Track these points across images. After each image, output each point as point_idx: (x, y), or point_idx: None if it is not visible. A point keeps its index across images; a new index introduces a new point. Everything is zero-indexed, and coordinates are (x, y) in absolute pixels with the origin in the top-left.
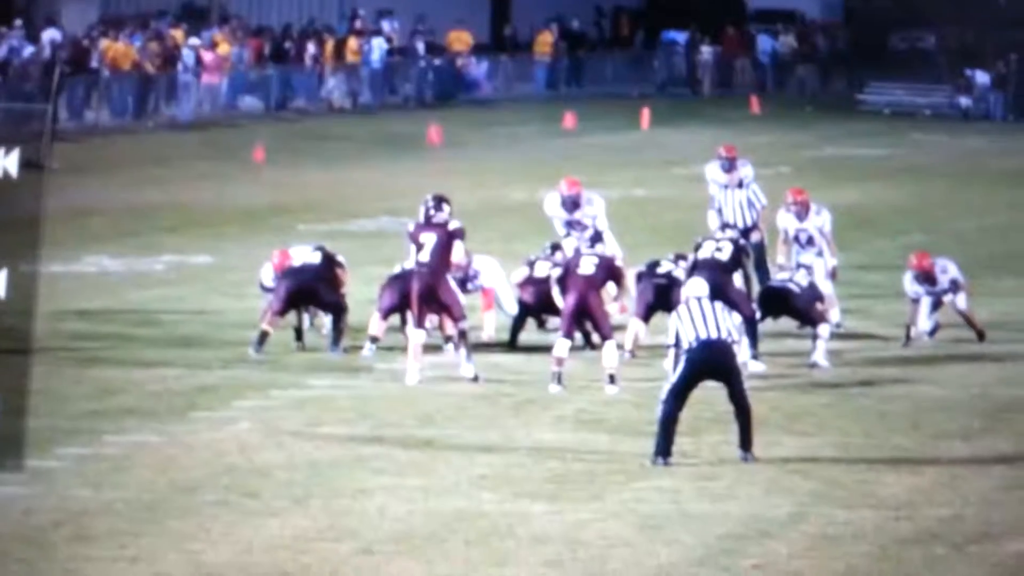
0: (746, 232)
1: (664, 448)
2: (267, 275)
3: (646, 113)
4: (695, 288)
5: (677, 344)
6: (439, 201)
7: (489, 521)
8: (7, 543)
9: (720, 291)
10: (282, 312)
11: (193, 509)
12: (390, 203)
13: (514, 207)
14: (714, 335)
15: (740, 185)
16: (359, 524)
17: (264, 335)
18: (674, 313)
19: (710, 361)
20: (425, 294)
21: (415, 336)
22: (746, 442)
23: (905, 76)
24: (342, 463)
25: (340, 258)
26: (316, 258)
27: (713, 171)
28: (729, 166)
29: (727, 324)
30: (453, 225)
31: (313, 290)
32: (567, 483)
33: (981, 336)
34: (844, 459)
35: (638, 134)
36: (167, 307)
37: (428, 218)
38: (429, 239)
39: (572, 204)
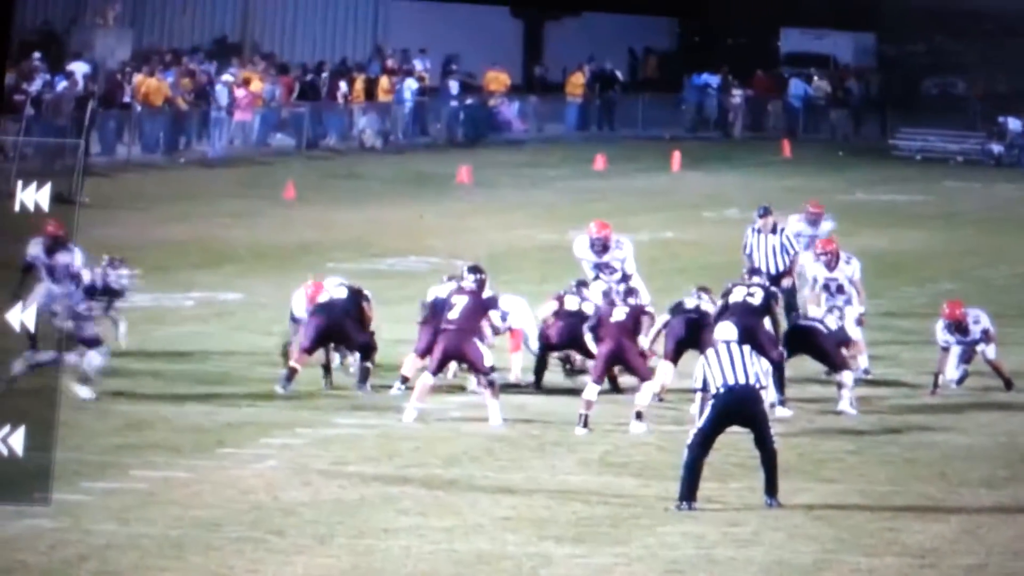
0: (777, 278)
1: (689, 493)
2: (299, 305)
3: (677, 155)
4: (724, 332)
5: (704, 388)
6: (473, 270)
7: (513, 563)
8: None
9: (750, 335)
10: (311, 350)
11: (218, 546)
12: (420, 242)
13: (543, 248)
14: (742, 381)
15: (773, 231)
16: (383, 564)
17: (293, 372)
18: (702, 358)
19: (737, 407)
20: (451, 352)
21: (424, 379)
22: (772, 488)
23: (937, 122)
24: (367, 502)
25: (367, 292)
26: (342, 293)
27: (796, 225)
28: (815, 220)
29: (755, 369)
30: (487, 294)
31: (341, 327)
32: (592, 526)
33: (1009, 385)
34: (869, 506)
35: (668, 176)
36: (196, 343)
37: (459, 285)
38: (460, 300)
39: (601, 247)
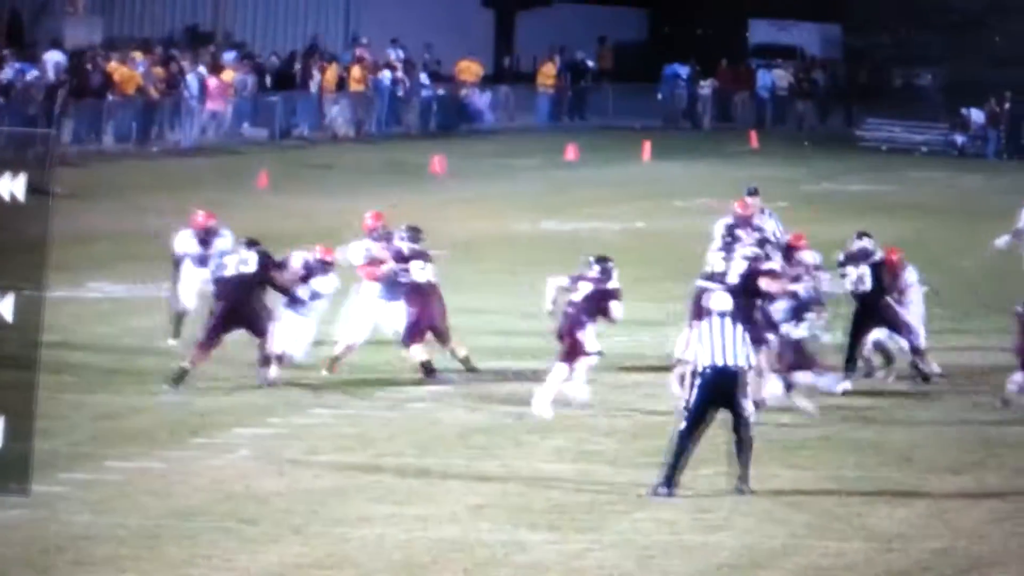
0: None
1: (670, 480)
2: (184, 243)
3: (647, 146)
4: (719, 302)
5: (693, 362)
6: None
7: (487, 550)
8: (9, 567)
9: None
10: (210, 345)
11: (192, 536)
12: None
13: (515, 237)
14: (730, 362)
15: (761, 212)
16: (357, 553)
17: (183, 372)
18: (693, 330)
19: (722, 389)
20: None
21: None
22: (744, 474)
23: (902, 113)
24: (341, 491)
25: (275, 257)
26: (250, 266)
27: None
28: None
29: (745, 350)
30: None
31: (246, 309)
32: (565, 513)
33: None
34: (838, 492)
35: (639, 167)
36: (167, 335)
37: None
38: (585, 287)
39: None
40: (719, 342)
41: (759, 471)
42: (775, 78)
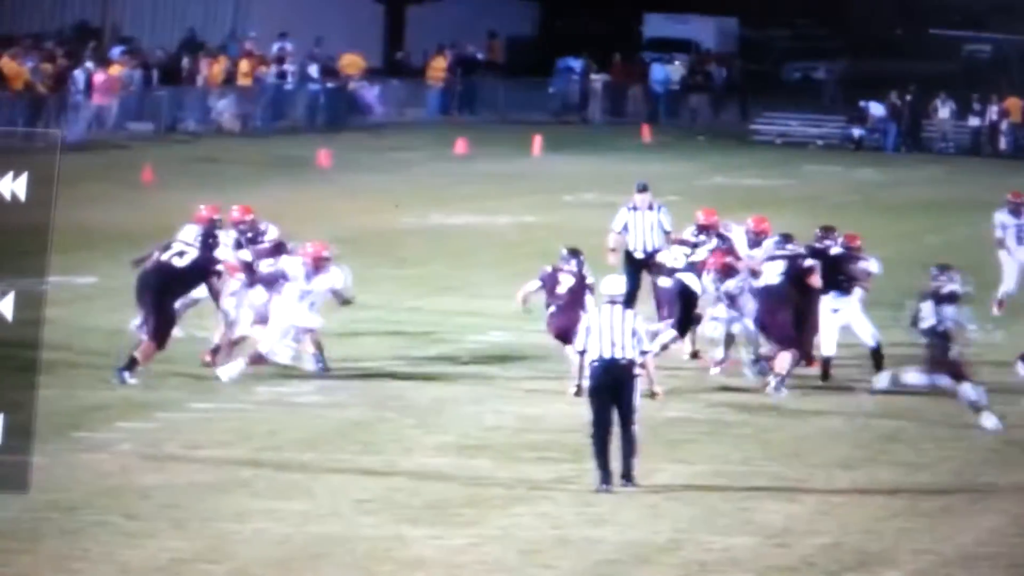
0: (652, 255)
1: (605, 476)
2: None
3: (538, 140)
4: (610, 286)
5: (583, 352)
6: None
7: (368, 545)
8: None
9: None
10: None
11: (73, 530)
12: (279, 226)
13: (403, 231)
14: (618, 355)
15: (650, 208)
16: (237, 547)
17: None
18: (585, 318)
19: (609, 383)
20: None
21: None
22: (627, 470)
23: (798, 106)
24: (221, 486)
25: (219, 267)
26: (183, 259)
27: (1002, 216)
28: (1016, 208)
29: (632, 340)
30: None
31: (155, 299)
32: (447, 508)
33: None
34: (723, 487)
35: (529, 161)
36: (51, 328)
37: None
38: (567, 280)
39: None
40: (608, 331)
41: (644, 465)
42: (669, 72)
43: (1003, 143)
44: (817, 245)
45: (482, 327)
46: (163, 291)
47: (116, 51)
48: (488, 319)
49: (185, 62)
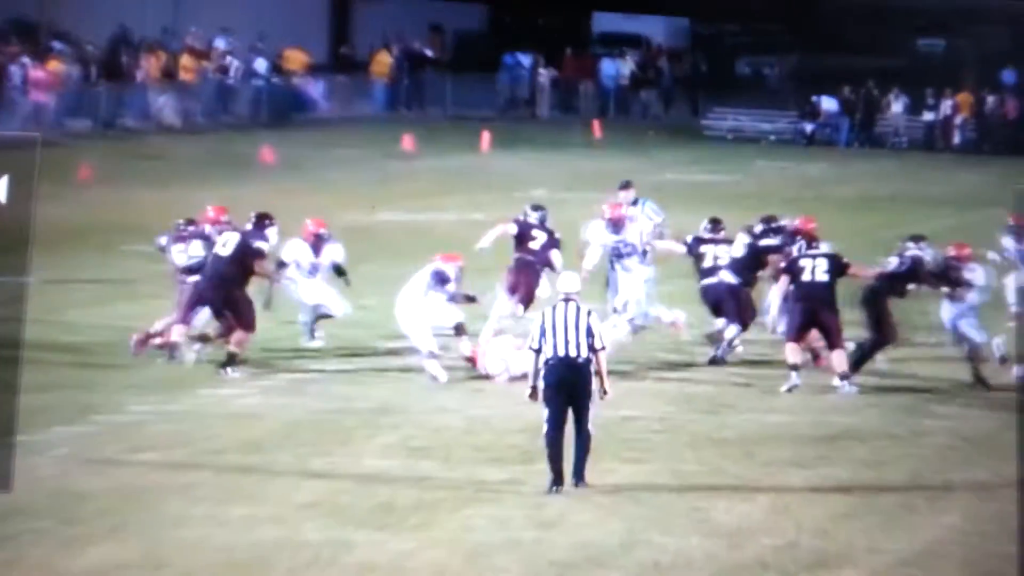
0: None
1: (558, 477)
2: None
3: (486, 136)
4: (566, 283)
5: (539, 349)
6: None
7: (312, 551)
8: None
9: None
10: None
11: (11, 536)
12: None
13: (349, 229)
14: (572, 353)
15: (634, 204)
16: (177, 553)
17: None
18: (538, 315)
19: (565, 382)
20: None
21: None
22: (579, 470)
23: (750, 102)
24: (162, 490)
25: (259, 244)
26: (227, 248)
27: (1007, 240)
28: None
29: (586, 340)
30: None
31: (224, 296)
32: (394, 511)
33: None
34: (677, 486)
35: (477, 157)
36: None
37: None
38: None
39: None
40: (562, 328)
41: (595, 465)
42: (619, 67)
43: (956, 137)
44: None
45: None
46: (222, 283)
47: (54, 46)
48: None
49: (125, 58)
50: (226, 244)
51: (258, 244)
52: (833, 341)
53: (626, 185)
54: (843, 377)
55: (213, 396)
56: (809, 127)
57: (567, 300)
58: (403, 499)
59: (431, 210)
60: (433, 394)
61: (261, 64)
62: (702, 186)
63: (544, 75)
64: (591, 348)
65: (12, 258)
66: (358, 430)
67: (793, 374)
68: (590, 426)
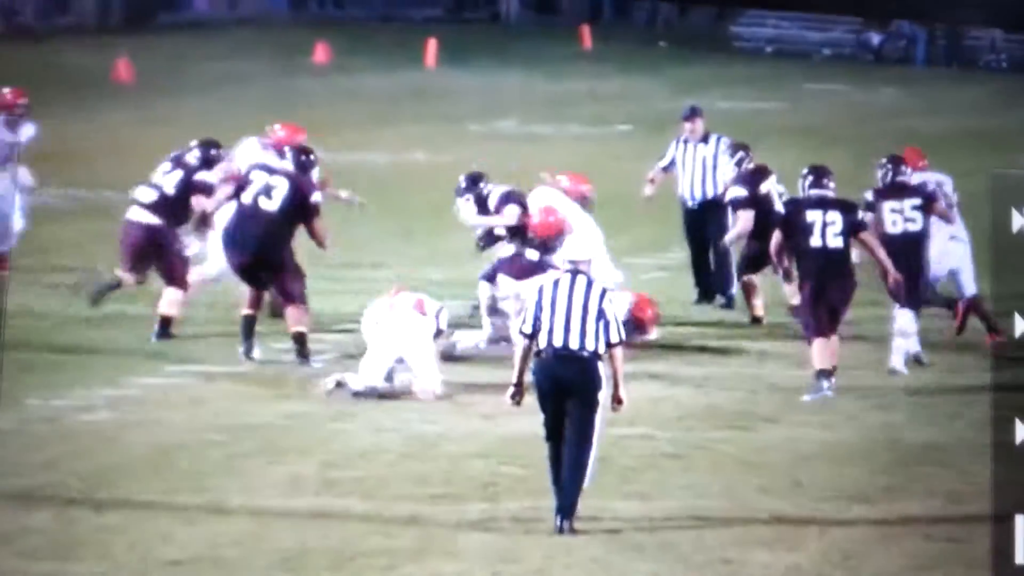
0: (705, 205)
1: (558, 506)
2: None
3: (432, 46)
4: (576, 249)
5: (532, 335)
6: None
7: None
8: None
9: None
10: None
11: None
12: (58, 166)
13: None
14: (574, 344)
15: (704, 140)
16: None
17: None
18: (529, 290)
19: (560, 380)
20: None
21: None
22: (567, 507)
23: (795, 2)
24: None
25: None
26: (276, 196)
27: None
28: None
29: (596, 327)
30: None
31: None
32: (303, 570)
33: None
34: (697, 529)
35: (420, 75)
36: None
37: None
38: None
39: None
40: (563, 313)
41: (586, 503)
42: None
43: None
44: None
45: (350, 310)
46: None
47: None
48: (358, 299)
49: None
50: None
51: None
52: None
53: (692, 114)
54: (826, 375)
55: (49, 409)
56: (876, 38)
57: (574, 272)
58: (316, 552)
59: (354, 148)
60: (360, 407)
61: None
62: (731, 117)
63: None
64: (604, 340)
65: None
66: (253, 456)
67: (824, 383)
68: (591, 446)
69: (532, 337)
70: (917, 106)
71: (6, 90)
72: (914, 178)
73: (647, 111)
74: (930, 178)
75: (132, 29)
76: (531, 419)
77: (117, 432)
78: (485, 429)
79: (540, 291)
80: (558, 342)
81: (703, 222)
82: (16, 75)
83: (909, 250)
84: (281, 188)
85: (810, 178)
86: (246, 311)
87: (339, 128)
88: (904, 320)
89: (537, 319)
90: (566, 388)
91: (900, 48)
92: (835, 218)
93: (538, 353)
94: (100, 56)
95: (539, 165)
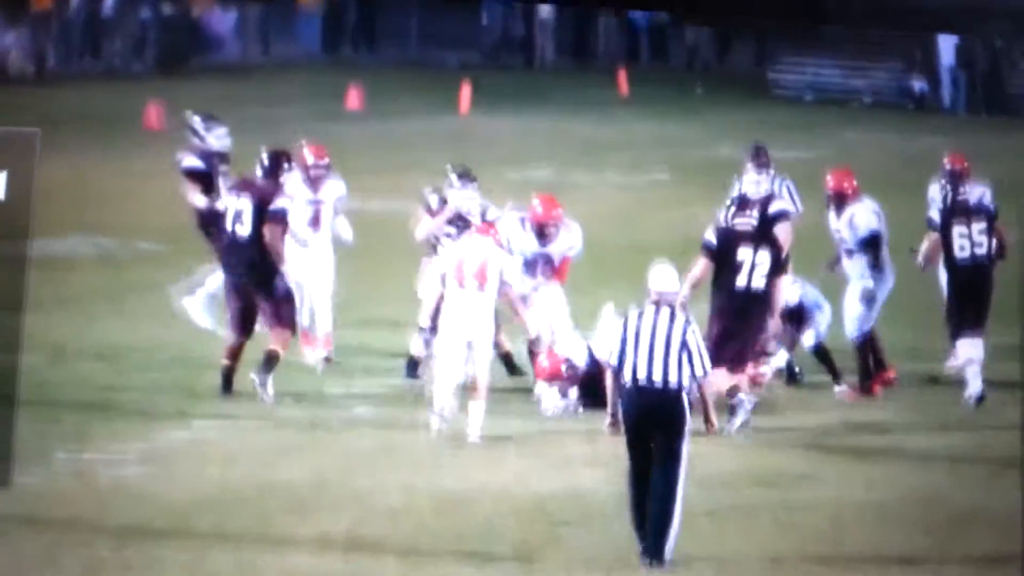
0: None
1: (649, 548)
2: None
3: (466, 91)
4: (660, 280)
5: (619, 367)
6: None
7: None
8: None
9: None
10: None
11: None
12: (86, 215)
13: None
14: (658, 377)
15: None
16: None
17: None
18: (615, 320)
19: (648, 415)
20: None
21: None
22: (652, 548)
23: (838, 46)
24: None
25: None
26: (244, 227)
27: None
28: None
29: (679, 360)
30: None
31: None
32: None
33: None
34: None
35: (454, 121)
36: None
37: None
38: None
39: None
40: (646, 346)
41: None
42: None
43: None
44: None
45: (380, 359)
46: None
47: None
48: (389, 343)
49: None
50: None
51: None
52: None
53: (759, 154)
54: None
55: (73, 462)
56: (918, 85)
57: (658, 304)
58: None
59: (386, 195)
60: (390, 455)
61: None
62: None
63: (546, 6)
64: (688, 373)
65: None
66: (283, 514)
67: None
68: (678, 483)
69: (618, 370)
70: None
71: (307, 147)
72: (973, 193)
73: (684, 158)
74: (978, 190)
75: (164, 73)
76: (564, 476)
77: (146, 487)
78: (518, 487)
79: (624, 323)
80: (642, 375)
81: None
82: (45, 119)
83: (976, 276)
84: (247, 210)
85: (732, 208)
86: (225, 361)
87: (372, 174)
88: (971, 349)
89: (622, 352)
90: (651, 422)
91: (943, 94)
92: (764, 258)
93: (624, 386)
94: (131, 101)
95: (576, 214)
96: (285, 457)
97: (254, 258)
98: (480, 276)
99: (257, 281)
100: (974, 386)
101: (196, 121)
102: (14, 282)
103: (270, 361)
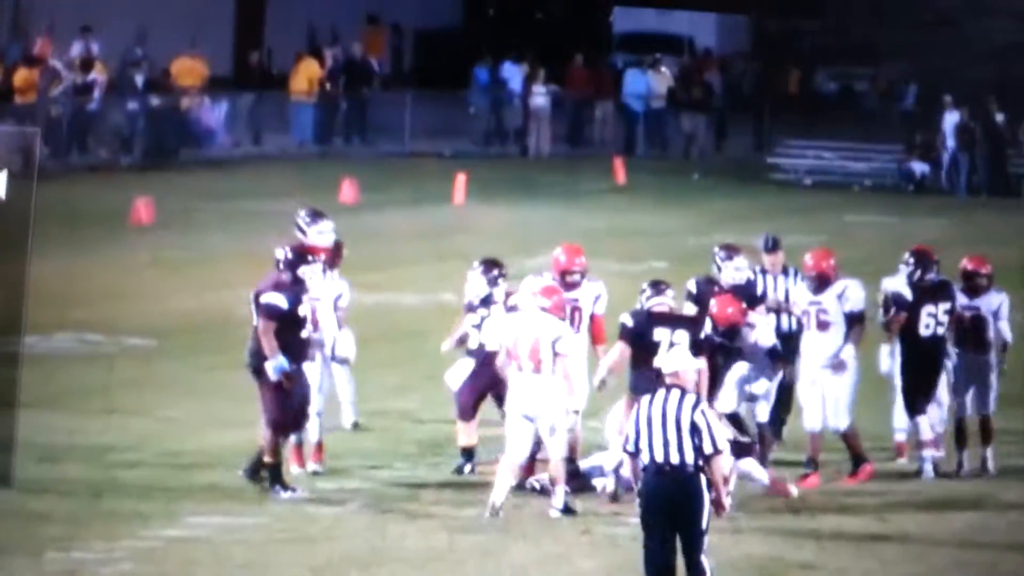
0: (787, 337)
1: None
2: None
3: (461, 181)
4: (669, 362)
5: (635, 452)
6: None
7: None
8: None
9: None
10: None
11: None
12: (74, 313)
13: None
14: (674, 459)
15: (784, 272)
16: None
17: None
18: (631, 406)
19: (665, 498)
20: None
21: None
22: None
23: (836, 130)
24: None
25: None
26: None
27: None
28: None
29: (692, 441)
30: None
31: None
32: None
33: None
34: None
35: (449, 212)
36: None
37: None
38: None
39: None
40: (659, 428)
41: None
42: (651, 82)
43: None
44: None
45: (378, 461)
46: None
47: None
48: (382, 440)
49: None
50: None
51: None
52: None
53: (774, 246)
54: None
55: (64, 561)
56: (918, 168)
57: (669, 386)
58: None
59: (381, 289)
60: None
61: (140, 79)
62: None
63: (542, 93)
64: (699, 453)
65: None
66: None
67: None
68: (704, 560)
69: (635, 455)
70: (961, 236)
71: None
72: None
73: (682, 247)
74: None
75: (153, 166)
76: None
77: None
78: (597, 550)
79: (638, 408)
80: (658, 458)
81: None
82: (27, 217)
83: (934, 354)
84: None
85: (649, 291)
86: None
87: (366, 268)
88: (925, 427)
89: (638, 436)
90: (668, 505)
91: (944, 176)
92: (682, 338)
93: (644, 470)
94: (118, 196)
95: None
96: (280, 553)
97: (253, 347)
98: (534, 357)
99: (253, 371)
100: (928, 468)
101: (301, 215)
102: (5, 379)
103: (264, 468)
